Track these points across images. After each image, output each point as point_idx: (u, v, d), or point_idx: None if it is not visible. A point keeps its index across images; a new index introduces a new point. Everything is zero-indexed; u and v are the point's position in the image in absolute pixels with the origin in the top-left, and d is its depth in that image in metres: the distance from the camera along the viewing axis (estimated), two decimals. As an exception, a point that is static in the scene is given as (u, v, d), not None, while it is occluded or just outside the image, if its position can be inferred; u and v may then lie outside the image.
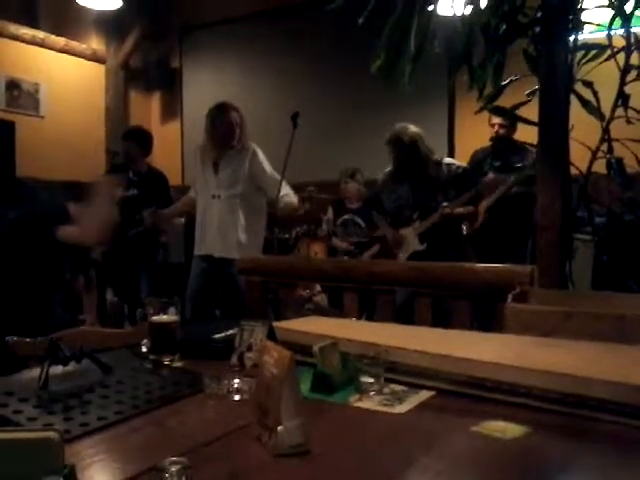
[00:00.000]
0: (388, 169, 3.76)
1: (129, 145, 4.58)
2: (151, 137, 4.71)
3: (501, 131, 3.98)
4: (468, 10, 2.42)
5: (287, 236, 4.73)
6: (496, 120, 3.95)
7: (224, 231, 3.68)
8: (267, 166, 3.73)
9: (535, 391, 1.03)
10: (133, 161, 4.56)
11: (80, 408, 1.03)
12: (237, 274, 3.54)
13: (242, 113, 3.77)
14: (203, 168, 3.80)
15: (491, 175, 3.90)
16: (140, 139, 4.64)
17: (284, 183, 3.68)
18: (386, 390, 1.13)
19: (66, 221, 2.30)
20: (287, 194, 3.71)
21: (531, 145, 3.64)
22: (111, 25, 6.46)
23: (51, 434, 0.70)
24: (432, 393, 1.13)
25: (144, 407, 1.07)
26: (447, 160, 3.70)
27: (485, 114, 3.61)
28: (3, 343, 1.41)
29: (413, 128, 3.58)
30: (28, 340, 1.42)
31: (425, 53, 2.39)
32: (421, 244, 3.56)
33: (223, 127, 3.69)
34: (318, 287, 4.09)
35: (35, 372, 1.13)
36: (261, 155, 3.75)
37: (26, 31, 5.78)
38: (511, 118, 3.30)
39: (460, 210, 3.57)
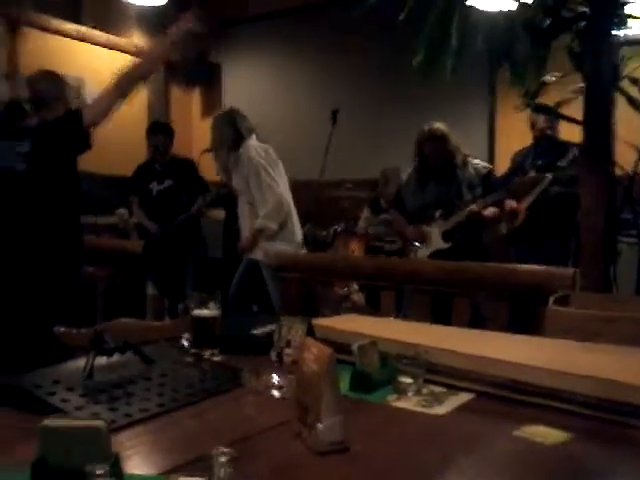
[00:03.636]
0: (410, 169, 3.71)
1: (159, 139, 4.64)
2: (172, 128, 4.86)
3: (548, 132, 3.90)
4: (511, 5, 2.39)
5: (325, 233, 4.74)
6: (543, 123, 3.86)
7: (245, 233, 3.81)
8: (255, 177, 3.70)
9: (577, 396, 1.02)
10: (162, 154, 4.62)
11: (124, 399, 1.05)
12: (267, 273, 3.64)
13: (226, 120, 3.84)
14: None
15: (529, 175, 3.84)
16: (168, 131, 4.73)
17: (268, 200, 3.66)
18: (425, 391, 1.13)
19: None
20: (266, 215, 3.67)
21: (574, 144, 3.59)
22: (153, 21, 6.55)
23: (100, 423, 0.72)
24: (472, 395, 1.12)
25: (185, 400, 1.09)
26: (473, 160, 3.65)
27: (527, 113, 3.55)
28: (51, 333, 1.46)
29: (441, 125, 3.55)
30: (74, 331, 1.46)
31: (466, 49, 2.36)
32: (445, 243, 3.51)
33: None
34: (355, 285, 4.09)
35: (80, 362, 1.15)
36: (253, 162, 3.71)
37: (70, 26, 5.89)
38: (556, 116, 3.24)
39: (488, 213, 3.50)
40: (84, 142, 2.76)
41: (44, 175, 2.75)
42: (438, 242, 3.51)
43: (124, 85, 2.87)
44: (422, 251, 3.55)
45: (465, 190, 3.49)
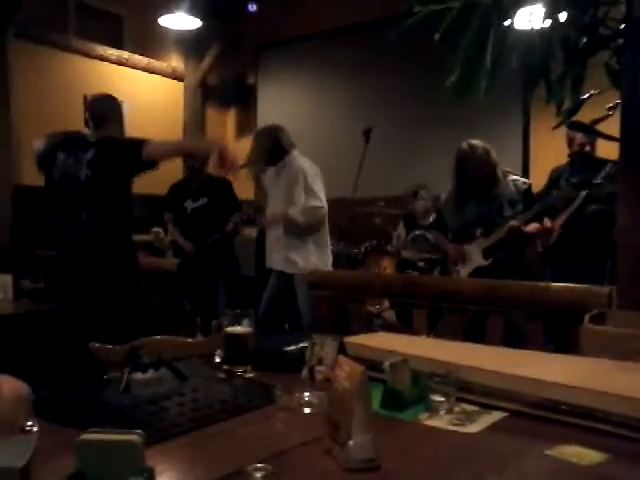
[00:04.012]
0: (450, 188, 3.71)
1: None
2: None
3: (587, 148, 3.86)
4: (547, 24, 2.38)
5: (356, 251, 4.74)
6: (582, 139, 3.83)
7: (277, 246, 3.86)
8: (302, 182, 3.78)
9: (614, 417, 1.00)
10: (197, 173, 4.69)
11: (158, 414, 1.07)
12: (299, 286, 3.67)
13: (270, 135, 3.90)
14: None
15: (566, 190, 3.80)
16: None
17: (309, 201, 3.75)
18: (457, 409, 1.12)
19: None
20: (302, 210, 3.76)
21: (609, 161, 3.54)
22: (190, 44, 6.71)
23: (134, 437, 0.73)
24: (504, 414, 1.11)
25: (218, 416, 1.10)
26: (512, 176, 3.64)
27: (561, 131, 3.52)
28: (86, 349, 1.49)
29: (480, 141, 3.55)
30: (109, 347, 1.49)
31: (501, 68, 2.36)
32: (485, 260, 3.49)
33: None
34: (387, 303, 4.08)
35: (116, 377, 1.18)
36: (301, 169, 3.81)
37: (112, 52, 6.08)
38: (592, 134, 3.20)
39: (530, 228, 3.48)
40: (147, 165, 2.91)
41: (104, 182, 2.92)
42: (479, 259, 3.50)
43: (186, 147, 3.32)
44: (463, 269, 3.54)
45: (506, 206, 3.48)
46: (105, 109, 3.11)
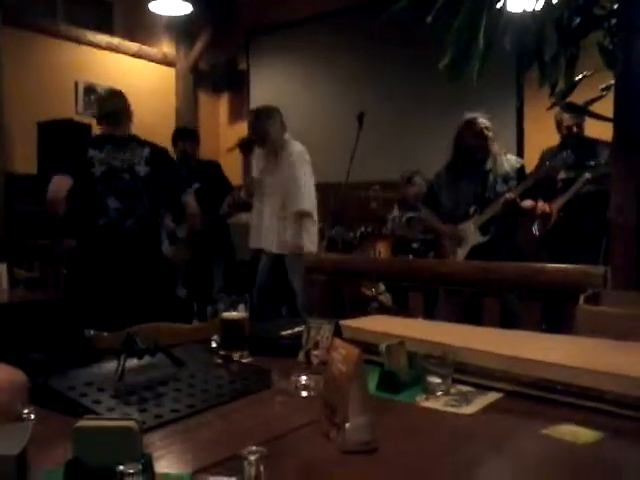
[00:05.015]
0: (443, 165, 3.72)
1: (186, 144, 4.74)
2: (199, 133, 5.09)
3: (574, 129, 3.86)
4: (539, 5, 2.36)
5: (351, 235, 4.74)
6: (569, 121, 3.83)
7: (270, 228, 3.87)
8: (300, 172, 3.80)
9: (609, 395, 1.00)
10: (188, 158, 4.70)
11: (154, 400, 1.07)
12: (292, 269, 3.68)
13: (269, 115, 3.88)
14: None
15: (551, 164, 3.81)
16: (194, 136, 4.82)
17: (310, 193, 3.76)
18: (453, 391, 1.12)
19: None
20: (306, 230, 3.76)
21: (604, 142, 3.55)
22: (181, 30, 6.65)
23: (131, 424, 0.73)
24: (500, 395, 1.11)
25: (215, 401, 1.10)
26: (506, 155, 3.65)
27: (554, 113, 3.53)
28: (82, 336, 1.49)
29: (480, 115, 3.59)
30: (105, 334, 1.48)
31: (494, 50, 2.34)
32: (483, 236, 3.49)
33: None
34: (382, 286, 4.08)
35: (112, 364, 1.17)
36: (301, 157, 3.82)
37: (102, 37, 6.02)
38: (586, 114, 3.20)
39: (526, 204, 3.49)
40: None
41: (160, 180, 3.13)
42: (475, 237, 3.50)
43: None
44: (461, 249, 3.55)
45: (500, 183, 3.49)
46: (120, 106, 3.23)
